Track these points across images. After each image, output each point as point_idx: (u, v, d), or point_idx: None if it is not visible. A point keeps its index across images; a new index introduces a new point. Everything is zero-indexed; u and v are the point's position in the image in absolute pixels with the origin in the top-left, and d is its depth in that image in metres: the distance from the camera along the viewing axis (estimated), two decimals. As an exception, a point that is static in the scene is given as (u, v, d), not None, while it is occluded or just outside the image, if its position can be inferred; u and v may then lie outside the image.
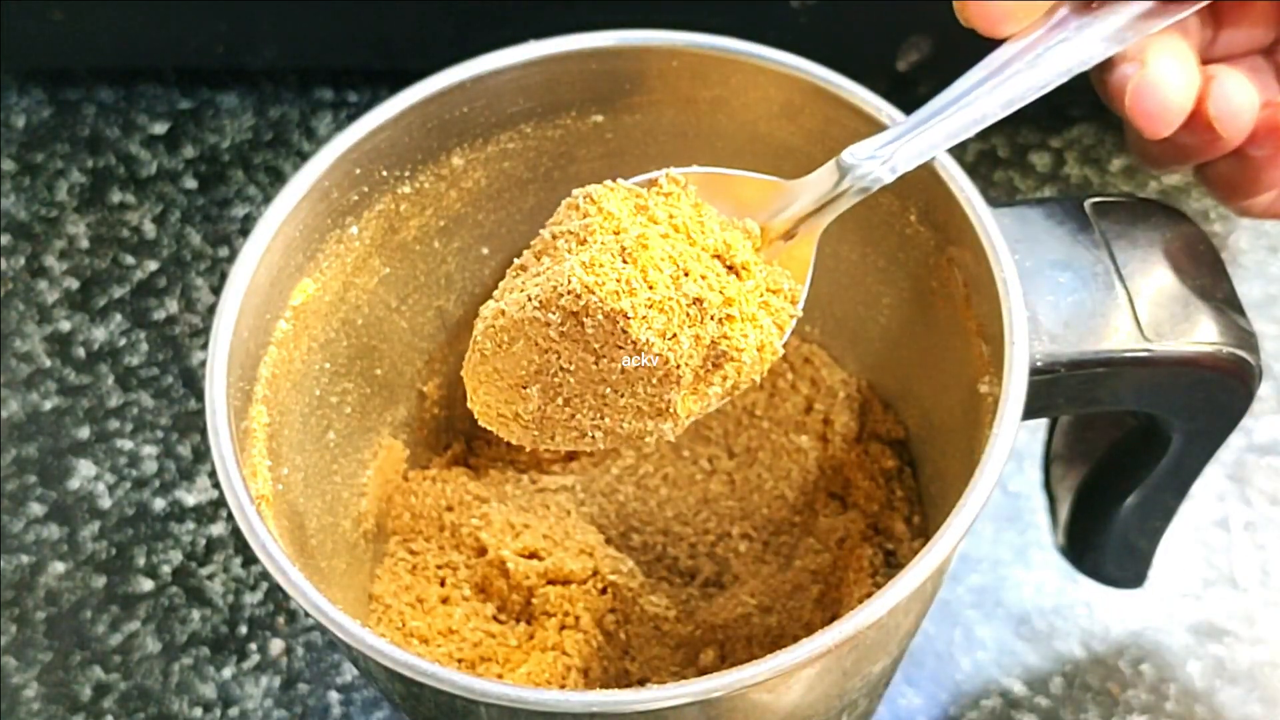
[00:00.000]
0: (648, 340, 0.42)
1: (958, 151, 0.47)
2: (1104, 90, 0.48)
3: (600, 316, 0.41)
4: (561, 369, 0.43)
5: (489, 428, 0.46)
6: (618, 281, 0.42)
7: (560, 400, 0.44)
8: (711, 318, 0.43)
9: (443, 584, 0.56)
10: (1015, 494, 0.67)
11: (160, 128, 0.83)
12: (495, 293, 0.45)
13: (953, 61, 0.48)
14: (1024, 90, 0.46)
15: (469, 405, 0.46)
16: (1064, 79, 0.46)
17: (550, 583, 0.54)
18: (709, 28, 0.52)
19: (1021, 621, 0.64)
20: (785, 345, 0.46)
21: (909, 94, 0.56)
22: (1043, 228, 0.48)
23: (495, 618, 0.55)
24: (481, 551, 0.55)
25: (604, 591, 0.54)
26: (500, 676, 0.52)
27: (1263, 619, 0.64)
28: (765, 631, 0.54)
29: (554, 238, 0.45)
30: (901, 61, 0.74)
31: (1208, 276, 0.48)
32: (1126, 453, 0.53)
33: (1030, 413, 0.45)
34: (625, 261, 0.42)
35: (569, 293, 0.41)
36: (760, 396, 0.60)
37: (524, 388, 0.44)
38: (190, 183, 0.80)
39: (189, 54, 0.83)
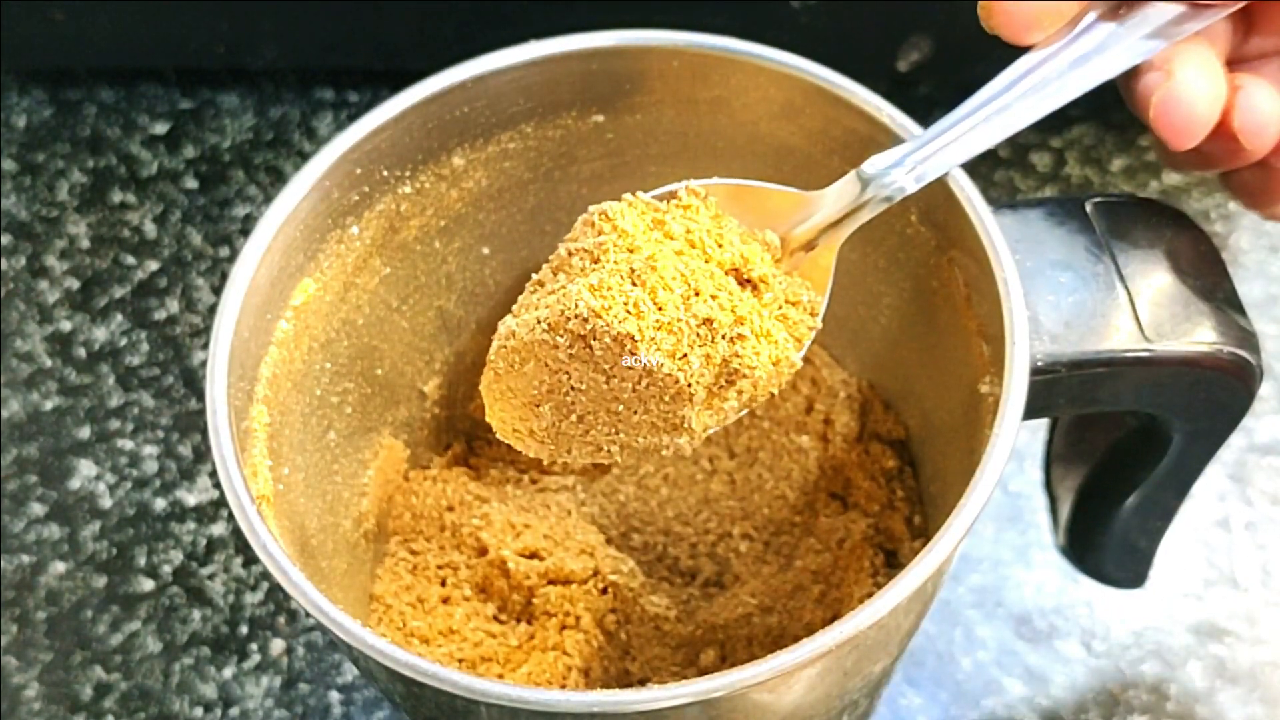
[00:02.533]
0: (657, 362, 0.42)
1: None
2: (1129, 97, 0.48)
3: (608, 339, 0.42)
4: (573, 388, 0.43)
5: (507, 442, 0.46)
6: (625, 305, 0.42)
7: (574, 417, 0.44)
8: (723, 337, 0.43)
9: (443, 584, 0.56)
10: (1016, 494, 0.67)
11: (161, 128, 0.83)
12: (514, 308, 0.45)
13: (954, 61, 0.48)
14: (1050, 99, 0.45)
15: (487, 419, 0.46)
16: (1090, 87, 0.45)
17: (551, 583, 0.54)
18: (709, 28, 0.52)
19: (1022, 621, 0.64)
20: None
21: (909, 94, 0.56)
22: (1043, 228, 0.48)
23: (496, 618, 0.55)
24: (482, 551, 0.55)
25: (604, 591, 0.54)
26: (501, 676, 0.52)
27: (1264, 619, 0.64)
28: (766, 631, 0.54)
29: (569, 254, 0.45)
30: (902, 61, 0.74)
31: (1208, 276, 0.48)
32: (1127, 453, 0.53)
33: (1031, 413, 0.45)
34: (634, 283, 0.42)
35: (576, 316, 0.42)
36: None
37: (537, 406, 0.44)
38: (191, 183, 0.80)
39: (189, 54, 0.83)
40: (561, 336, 0.42)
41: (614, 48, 0.53)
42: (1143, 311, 0.47)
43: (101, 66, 0.85)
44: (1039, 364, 0.45)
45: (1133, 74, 0.46)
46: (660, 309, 0.42)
